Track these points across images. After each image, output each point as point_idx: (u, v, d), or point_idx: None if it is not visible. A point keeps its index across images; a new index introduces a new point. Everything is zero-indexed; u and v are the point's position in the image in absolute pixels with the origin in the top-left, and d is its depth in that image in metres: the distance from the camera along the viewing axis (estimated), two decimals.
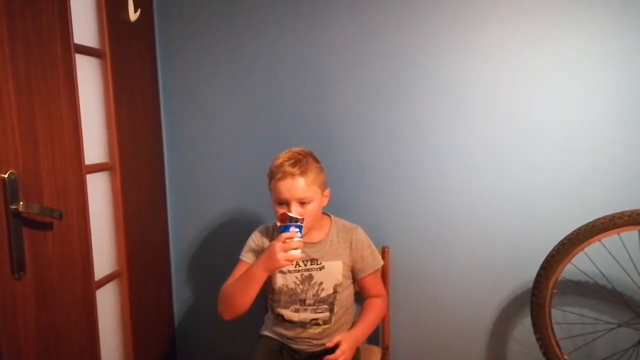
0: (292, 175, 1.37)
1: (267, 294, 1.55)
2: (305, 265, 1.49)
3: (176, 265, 1.96)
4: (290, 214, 1.36)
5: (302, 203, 1.39)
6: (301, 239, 1.35)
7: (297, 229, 1.34)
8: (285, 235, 1.33)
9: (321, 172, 1.45)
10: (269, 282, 1.51)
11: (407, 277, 1.76)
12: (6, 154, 1.14)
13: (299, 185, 1.38)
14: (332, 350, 1.36)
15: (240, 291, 1.40)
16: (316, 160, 1.46)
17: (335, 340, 1.36)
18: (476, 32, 1.61)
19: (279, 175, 1.39)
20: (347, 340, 1.36)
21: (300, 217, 1.35)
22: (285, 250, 1.32)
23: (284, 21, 1.73)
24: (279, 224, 1.38)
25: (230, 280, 1.46)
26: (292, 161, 1.40)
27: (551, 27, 1.56)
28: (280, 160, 1.41)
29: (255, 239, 1.52)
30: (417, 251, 1.75)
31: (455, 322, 1.76)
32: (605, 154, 1.58)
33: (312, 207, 1.41)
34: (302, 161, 1.41)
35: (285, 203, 1.39)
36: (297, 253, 1.33)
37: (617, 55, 1.54)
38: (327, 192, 1.49)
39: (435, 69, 1.65)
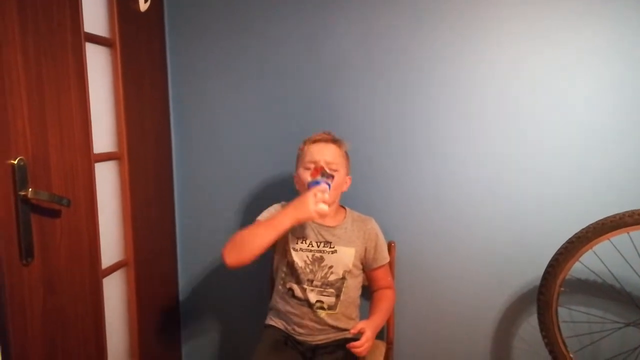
0: (326, 140, 1.49)
1: (279, 269, 1.55)
2: (318, 247, 1.50)
3: (183, 255, 1.97)
4: (325, 168, 1.41)
5: (330, 170, 1.44)
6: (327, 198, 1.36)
7: (328, 187, 1.37)
8: (319, 187, 1.35)
9: (348, 157, 1.55)
10: (283, 255, 1.52)
11: (413, 273, 1.76)
12: (15, 141, 1.14)
13: (330, 148, 1.47)
14: (352, 339, 1.38)
15: (258, 234, 1.37)
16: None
17: (358, 327, 1.36)
18: (482, 33, 1.59)
19: (313, 139, 1.49)
20: (369, 328, 1.38)
21: (332, 174, 1.41)
22: (318, 203, 1.33)
23: (296, 13, 1.72)
24: (309, 179, 1.41)
25: None
26: (327, 134, 1.52)
27: (552, 28, 1.54)
28: (315, 133, 1.52)
29: (278, 207, 1.53)
30: (424, 247, 1.74)
31: (460, 318, 1.75)
32: (616, 152, 1.56)
33: (336, 178, 1.45)
34: (336, 137, 1.52)
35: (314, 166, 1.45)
36: (326, 208, 1.34)
37: (621, 54, 1.52)
38: (348, 178, 1.54)
39: (443, 67, 1.64)
